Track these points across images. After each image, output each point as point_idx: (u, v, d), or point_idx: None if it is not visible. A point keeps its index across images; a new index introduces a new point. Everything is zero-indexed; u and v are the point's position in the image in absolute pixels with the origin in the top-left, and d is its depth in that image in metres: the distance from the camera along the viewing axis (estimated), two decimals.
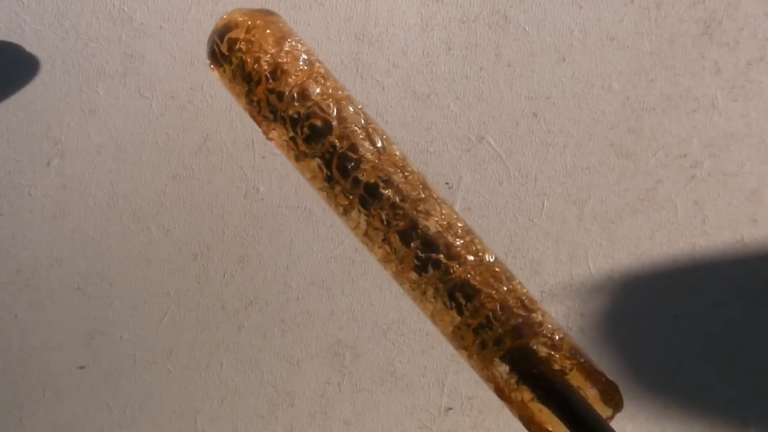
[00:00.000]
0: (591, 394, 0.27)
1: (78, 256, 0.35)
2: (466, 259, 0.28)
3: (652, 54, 0.35)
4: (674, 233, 0.36)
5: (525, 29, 0.34)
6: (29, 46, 0.33)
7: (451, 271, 0.28)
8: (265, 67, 0.29)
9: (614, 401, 0.27)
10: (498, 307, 0.27)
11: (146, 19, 0.34)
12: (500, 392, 0.28)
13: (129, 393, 0.37)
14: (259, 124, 0.30)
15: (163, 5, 0.34)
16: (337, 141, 0.28)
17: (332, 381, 0.37)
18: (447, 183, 0.35)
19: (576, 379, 0.27)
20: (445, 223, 0.28)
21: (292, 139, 0.29)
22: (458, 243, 0.28)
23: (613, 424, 0.33)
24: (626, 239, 0.36)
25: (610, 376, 0.35)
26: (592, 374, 0.27)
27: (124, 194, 0.35)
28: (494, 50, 0.35)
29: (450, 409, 0.37)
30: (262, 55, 0.29)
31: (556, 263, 0.36)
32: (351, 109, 0.29)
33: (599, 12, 0.34)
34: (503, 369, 0.27)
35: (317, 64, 0.30)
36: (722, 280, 0.36)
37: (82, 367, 0.36)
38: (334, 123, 0.29)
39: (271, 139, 0.30)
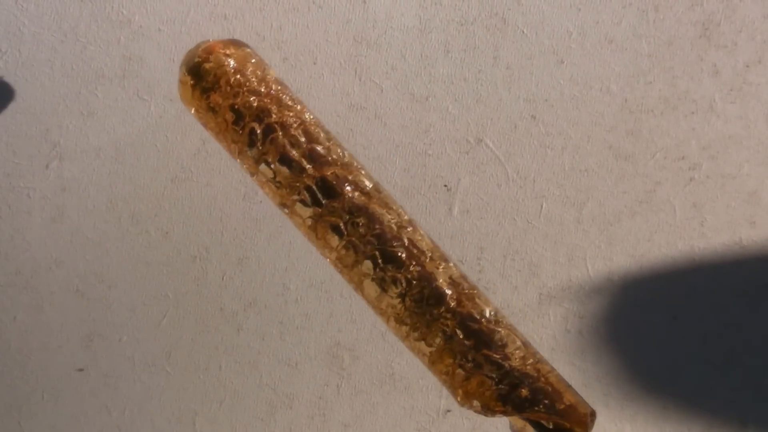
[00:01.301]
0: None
1: (77, 258, 0.36)
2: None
3: (651, 56, 0.35)
4: (673, 235, 0.36)
5: (523, 32, 0.34)
6: (28, 50, 0.34)
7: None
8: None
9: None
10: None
11: (145, 21, 0.34)
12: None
13: (128, 395, 0.37)
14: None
15: (162, 8, 0.34)
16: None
17: (331, 383, 0.37)
18: (445, 185, 0.36)
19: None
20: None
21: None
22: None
23: (611, 424, 0.33)
24: (625, 241, 0.36)
25: (610, 378, 0.35)
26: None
27: (123, 197, 0.35)
28: (492, 53, 0.35)
29: (449, 411, 0.37)
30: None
31: (555, 265, 0.36)
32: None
33: (597, 14, 0.34)
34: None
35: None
36: (721, 281, 0.37)
37: (81, 369, 0.36)
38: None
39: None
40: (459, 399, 0.28)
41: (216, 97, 0.29)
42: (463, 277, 0.29)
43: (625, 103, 0.35)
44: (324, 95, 0.35)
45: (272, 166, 0.29)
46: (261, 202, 0.35)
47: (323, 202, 0.29)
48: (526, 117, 0.35)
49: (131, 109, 0.34)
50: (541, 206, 0.36)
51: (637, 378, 0.37)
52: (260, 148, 0.29)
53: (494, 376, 0.27)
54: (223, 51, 0.29)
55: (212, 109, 0.29)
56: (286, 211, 0.30)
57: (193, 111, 0.30)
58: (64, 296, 0.36)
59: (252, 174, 0.30)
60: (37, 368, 0.36)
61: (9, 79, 0.34)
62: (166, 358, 0.36)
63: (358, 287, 0.29)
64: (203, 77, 0.29)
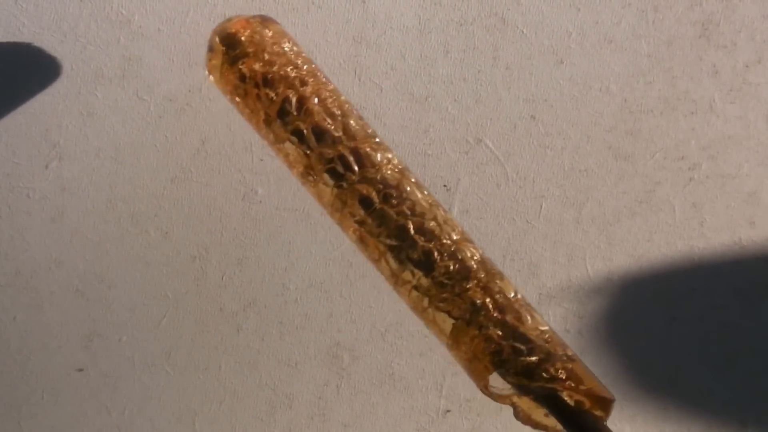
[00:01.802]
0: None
1: (77, 258, 0.36)
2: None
3: (650, 56, 0.35)
4: (672, 235, 0.36)
5: (523, 32, 0.34)
6: (28, 50, 0.34)
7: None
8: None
9: (605, 407, 0.27)
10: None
11: (144, 21, 0.34)
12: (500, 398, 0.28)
13: (127, 395, 0.37)
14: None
15: (162, 8, 0.34)
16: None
17: (330, 383, 0.37)
18: (445, 185, 0.36)
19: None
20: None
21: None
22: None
23: (610, 425, 0.33)
24: (624, 241, 0.36)
25: (609, 378, 0.35)
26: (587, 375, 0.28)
27: (123, 197, 0.35)
28: (492, 53, 0.35)
29: (448, 411, 0.37)
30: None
31: (554, 265, 0.36)
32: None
33: (597, 14, 0.34)
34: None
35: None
36: (720, 282, 0.37)
37: (80, 370, 0.37)
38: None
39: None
40: (480, 372, 0.27)
41: (251, 63, 0.29)
42: (489, 260, 0.29)
43: (625, 103, 0.35)
44: None
45: (305, 132, 0.29)
46: (261, 202, 0.35)
47: (356, 169, 0.29)
48: (526, 117, 0.35)
49: (131, 110, 0.34)
50: (541, 206, 0.36)
51: (637, 378, 0.37)
52: (295, 114, 0.29)
53: (523, 348, 0.27)
54: (260, 24, 0.30)
55: (243, 77, 0.30)
56: (311, 179, 0.29)
57: (218, 79, 0.30)
58: (64, 296, 0.36)
59: (279, 142, 0.30)
60: (36, 368, 0.36)
61: (8, 79, 0.34)
62: (166, 358, 0.36)
63: (381, 257, 0.29)
64: (237, 46, 0.30)
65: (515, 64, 0.35)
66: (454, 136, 0.35)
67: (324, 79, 0.30)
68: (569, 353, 0.28)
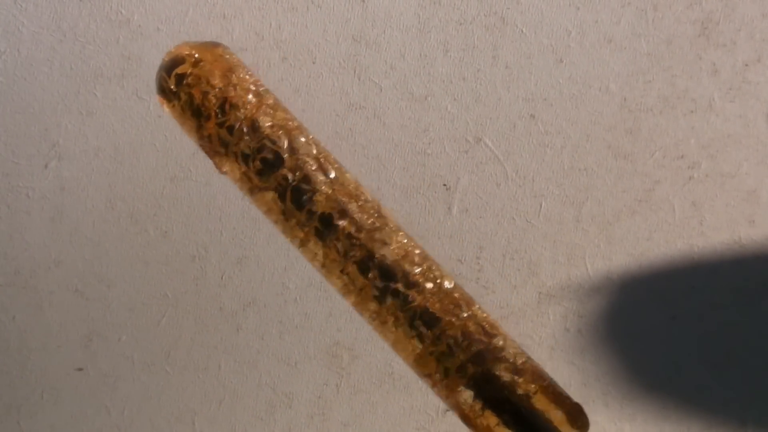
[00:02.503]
0: (557, 417, 0.27)
1: (76, 258, 0.36)
2: (424, 286, 0.28)
3: (650, 55, 0.35)
4: (672, 234, 0.36)
5: (522, 31, 0.34)
6: (27, 49, 0.34)
7: (410, 299, 0.28)
8: (214, 101, 0.29)
9: (580, 422, 0.27)
10: (459, 333, 0.28)
11: (144, 21, 0.34)
12: (466, 419, 0.28)
13: (127, 395, 0.37)
14: (212, 158, 0.30)
15: (161, 7, 0.34)
16: (289, 173, 0.29)
17: (330, 382, 0.37)
18: (444, 184, 0.36)
19: (541, 403, 0.27)
20: (402, 251, 0.29)
21: (245, 174, 0.29)
22: (416, 271, 0.28)
23: (610, 424, 0.33)
24: (624, 240, 0.36)
25: (609, 377, 0.35)
26: (557, 397, 0.27)
27: (122, 196, 0.35)
28: (491, 52, 0.35)
29: (448, 410, 0.37)
30: (210, 90, 0.29)
31: (554, 264, 0.36)
32: (302, 139, 0.29)
33: (596, 13, 0.34)
34: (468, 395, 0.27)
35: (266, 96, 0.30)
36: (720, 280, 0.36)
37: (80, 369, 0.37)
38: (286, 155, 0.29)
39: (224, 173, 0.30)
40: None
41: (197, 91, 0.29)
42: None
43: (624, 102, 0.35)
44: (323, 94, 0.35)
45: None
46: None
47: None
48: (525, 116, 0.35)
49: (130, 109, 0.34)
50: (541, 205, 0.36)
51: (637, 377, 0.37)
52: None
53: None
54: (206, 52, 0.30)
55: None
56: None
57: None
58: (64, 296, 0.36)
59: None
60: (36, 368, 0.36)
61: (8, 79, 0.34)
62: (166, 358, 0.36)
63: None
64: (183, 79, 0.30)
65: (515, 63, 0.35)
66: (454, 135, 0.35)
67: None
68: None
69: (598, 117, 0.35)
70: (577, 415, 0.27)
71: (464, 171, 0.35)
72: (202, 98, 0.29)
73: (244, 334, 0.36)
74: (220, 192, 0.35)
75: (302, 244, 0.29)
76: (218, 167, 0.30)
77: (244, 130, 0.29)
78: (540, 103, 0.35)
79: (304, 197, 0.28)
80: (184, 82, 0.29)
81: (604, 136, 0.35)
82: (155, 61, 0.34)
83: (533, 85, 0.35)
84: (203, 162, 0.35)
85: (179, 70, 0.29)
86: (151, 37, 0.34)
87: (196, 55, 0.29)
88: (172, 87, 0.29)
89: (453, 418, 0.37)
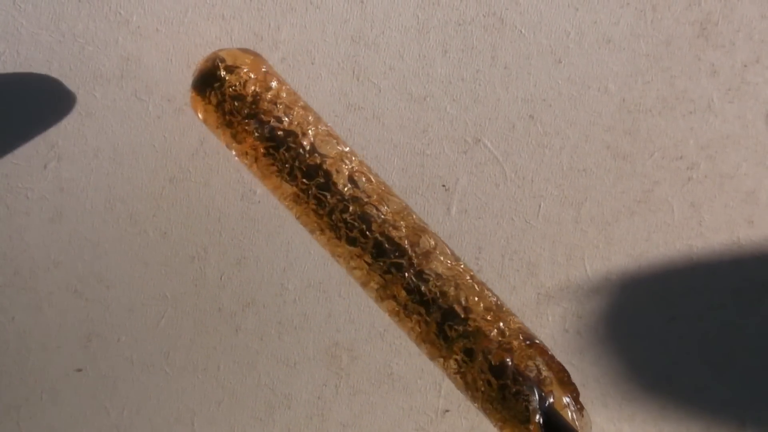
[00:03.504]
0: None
1: (75, 258, 0.36)
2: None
3: (649, 56, 0.35)
4: (671, 235, 0.36)
5: (521, 32, 0.34)
6: (26, 50, 0.34)
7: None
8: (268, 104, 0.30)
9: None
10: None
11: (143, 22, 0.34)
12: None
13: (126, 395, 0.37)
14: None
15: (160, 8, 0.34)
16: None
17: (329, 383, 0.37)
18: (444, 185, 0.36)
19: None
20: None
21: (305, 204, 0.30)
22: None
23: (609, 424, 0.33)
24: (623, 241, 0.36)
25: (608, 378, 0.35)
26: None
27: (121, 197, 0.35)
28: (490, 53, 0.35)
29: (447, 411, 0.37)
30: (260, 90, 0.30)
31: (553, 265, 0.36)
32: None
33: (595, 14, 0.34)
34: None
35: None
36: (719, 281, 0.37)
37: (79, 370, 0.37)
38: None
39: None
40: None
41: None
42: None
43: (623, 103, 0.35)
44: (322, 95, 0.35)
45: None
46: (259, 202, 0.35)
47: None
48: (524, 117, 0.35)
49: (129, 110, 0.34)
50: (540, 206, 0.36)
51: (636, 378, 0.37)
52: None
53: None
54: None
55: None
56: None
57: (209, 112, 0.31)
58: (63, 297, 0.36)
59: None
60: (35, 369, 0.36)
61: (8, 78, 0.34)
62: (165, 359, 0.36)
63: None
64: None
65: (514, 64, 0.35)
66: (453, 135, 0.35)
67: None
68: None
69: (597, 118, 0.35)
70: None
71: (463, 172, 0.35)
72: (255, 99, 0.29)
73: (243, 334, 0.36)
74: (219, 193, 0.35)
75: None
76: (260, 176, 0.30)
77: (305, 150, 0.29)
78: (539, 103, 0.35)
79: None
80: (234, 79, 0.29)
81: (602, 136, 0.35)
82: (154, 62, 0.34)
83: (532, 86, 0.35)
84: (202, 162, 0.35)
85: (236, 62, 0.30)
86: (151, 38, 0.34)
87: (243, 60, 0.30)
88: (222, 73, 0.29)
89: (453, 419, 0.37)
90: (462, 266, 0.29)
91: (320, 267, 0.36)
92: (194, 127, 0.35)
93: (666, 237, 0.36)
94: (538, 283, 0.36)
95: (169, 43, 0.34)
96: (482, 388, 0.27)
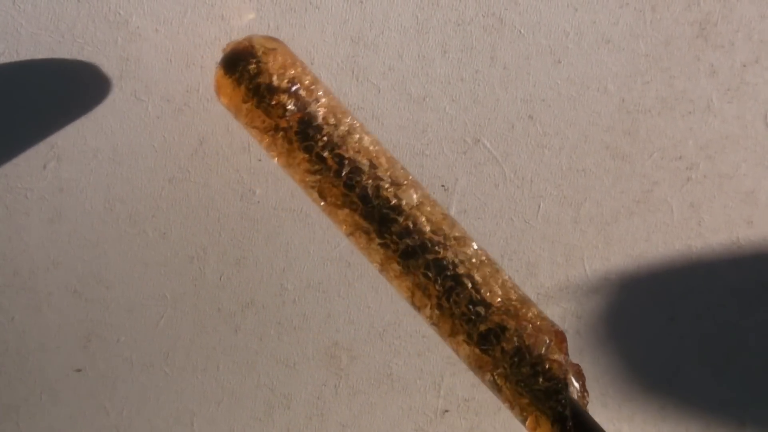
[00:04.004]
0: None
1: (75, 259, 0.36)
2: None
3: (648, 56, 0.35)
4: (670, 235, 0.36)
5: (520, 32, 0.34)
6: (25, 50, 0.34)
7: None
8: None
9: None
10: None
11: (142, 22, 0.34)
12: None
13: (126, 396, 0.37)
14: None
15: (159, 9, 0.34)
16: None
17: (329, 383, 0.37)
18: (443, 185, 0.36)
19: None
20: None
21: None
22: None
23: (609, 424, 0.33)
24: (622, 241, 0.36)
25: (608, 378, 0.35)
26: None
27: (121, 197, 0.35)
28: (489, 53, 0.35)
29: (446, 411, 0.37)
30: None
31: (552, 265, 0.36)
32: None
33: (594, 14, 0.34)
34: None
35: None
36: (718, 281, 0.37)
37: (78, 370, 0.37)
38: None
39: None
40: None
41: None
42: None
43: (623, 103, 0.35)
44: None
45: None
46: (259, 202, 0.35)
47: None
48: (524, 117, 0.35)
49: (128, 110, 0.34)
50: (539, 206, 0.36)
51: (635, 378, 0.37)
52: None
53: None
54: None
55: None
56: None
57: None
58: (62, 297, 0.36)
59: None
60: (35, 369, 0.36)
61: (7, 78, 0.34)
62: (164, 359, 0.37)
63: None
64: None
65: (513, 64, 0.35)
66: (452, 136, 0.35)
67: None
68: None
69: (596, 118, 0.35)
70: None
71: (462, 172, 0.35)
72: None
73: (242, 335, 0.36)
74: (219, 193, 0.35)
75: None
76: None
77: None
78: (538, 103, 0.35)
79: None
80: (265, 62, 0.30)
81: (602, 137, 0.35)
82: (154, 62, 0.34)
83: (531, 86, 0.35)
84: (202, 163, 0.35)
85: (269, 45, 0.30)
86: (150, 38, 0.34)
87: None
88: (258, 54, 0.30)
89: (452, 419, 0.37)
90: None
91: (320, 267, 0.36)
92: (194, 128, 0.35)
93: (665, 237, 0.36)
94: (538, 283, 0.36)
95: (169, 43, 0.34)
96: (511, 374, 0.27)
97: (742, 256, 0.36)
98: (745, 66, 0.35)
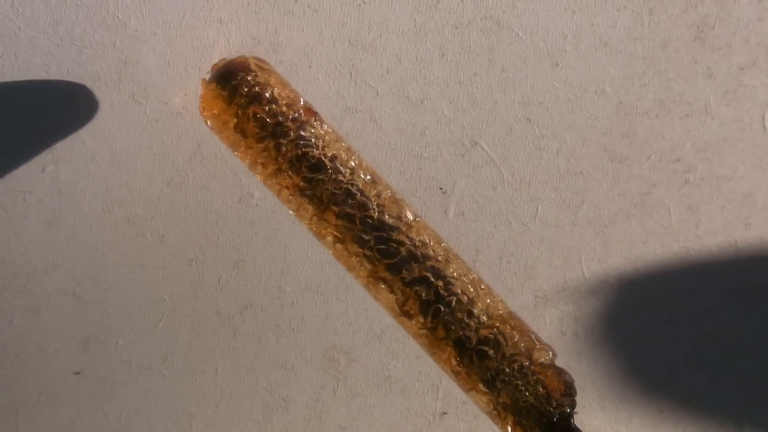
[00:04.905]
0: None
1: (73, 261, 0.36)
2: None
3: (645, 59, 0.35)
4: (668, 237, 0.36)
5: (518, 35, 0.34)
6: (24, 53, 0.34)
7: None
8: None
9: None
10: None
11: (140, 25, 0.34)
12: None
13: (124, 398, 0.37)
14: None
15: (157, 12, 0.34)
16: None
17: (327, 386, 0.37)
18: (441, 188, 0.36)
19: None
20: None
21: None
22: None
23: (607, 427, 0.33)
24: (620, 243, 0.36)
25: (605, 380, 0.35)
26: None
27: (119, 200, 0.35)
28: (488, 56, 0.35)
29: (445, 413, 0.37)
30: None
31: (550, 268, 0.36)
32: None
33: (592, 17, 0.34)
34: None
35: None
36: (716, 283, 0.37)
37: (77, 373, 0.37)
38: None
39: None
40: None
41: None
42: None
43: (620, 106, 0.35)
44: (319, 98, 0.35)
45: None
46: (257, 205, 0.35)
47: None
48: (522, 120, 0.35)
49: (127, 113, 0.34)
50: (537, 209, 0.36)
51: (633, 380, 0.37)
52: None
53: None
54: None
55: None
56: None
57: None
58: (61, 300, 0.36)
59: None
60: (33, 372, 0.36)
61: (6, 82, 0.34)
62: (163, 362, 0.37)
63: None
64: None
65: (511, 67, 0.35)
66: (450, 138, 0.35)
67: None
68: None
69: (594, 120, 0.35)
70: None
71: (460, 174, 0.35)
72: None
73: (241, 337, 0.36)
74: (217, 196, 0.35)
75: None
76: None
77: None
78: (536, 106, 0.35)
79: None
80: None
81: (599, 139, 0.35)
82: (152, 65, 0.34)
83: (529, 89, 0.35)
84: (200, 165, 0.35)
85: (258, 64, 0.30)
86: (148, 41, 0.34)
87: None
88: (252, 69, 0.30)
89: (450, 422, 0.37)
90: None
91: (318, 270, 0.36)
92: (192, 131, 0.35)
93: (663, 239, 0.36)
94: (536, 285, 0.36)
95: (167, 46, 0.34)
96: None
97: (740, 258, 0.36)
98: (742, 68, 0.35)
